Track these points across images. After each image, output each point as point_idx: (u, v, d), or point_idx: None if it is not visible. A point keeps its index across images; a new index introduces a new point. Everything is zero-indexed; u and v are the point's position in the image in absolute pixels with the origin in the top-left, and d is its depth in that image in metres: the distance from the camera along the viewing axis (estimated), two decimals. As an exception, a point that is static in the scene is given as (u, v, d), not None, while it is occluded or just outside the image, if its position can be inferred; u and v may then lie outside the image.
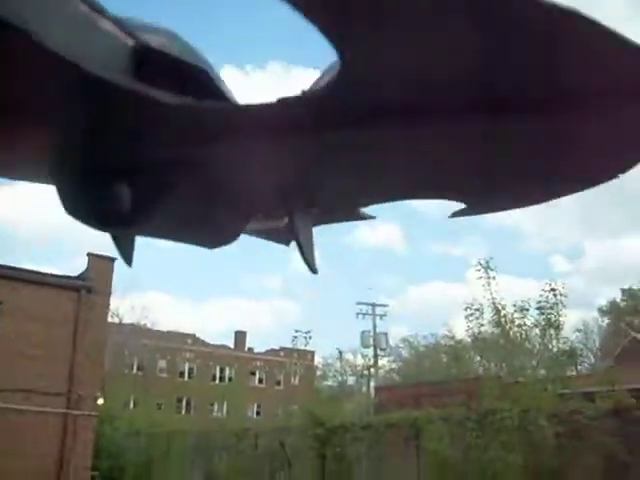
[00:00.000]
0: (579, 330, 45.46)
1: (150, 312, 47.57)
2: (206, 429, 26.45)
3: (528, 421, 12.74)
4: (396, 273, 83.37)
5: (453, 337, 24.93)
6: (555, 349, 15.33)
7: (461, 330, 17.74)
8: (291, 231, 1.25)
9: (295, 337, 23.41)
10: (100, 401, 19.81)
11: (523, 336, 15.75)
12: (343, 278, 77.54)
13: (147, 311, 44.12)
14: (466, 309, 15.72)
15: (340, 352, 42.17)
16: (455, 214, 1.55)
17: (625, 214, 62.93)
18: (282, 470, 19.41)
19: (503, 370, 16.47)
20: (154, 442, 25.89)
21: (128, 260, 1.25)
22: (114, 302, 40.12)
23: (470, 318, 15.72)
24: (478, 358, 20.62)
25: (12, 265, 19.51)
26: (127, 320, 41.96)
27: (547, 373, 14.87)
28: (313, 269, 1.22)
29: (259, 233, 1.55)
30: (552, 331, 15.04)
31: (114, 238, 1.19)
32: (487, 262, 15.63)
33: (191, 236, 1.20)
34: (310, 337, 22.96)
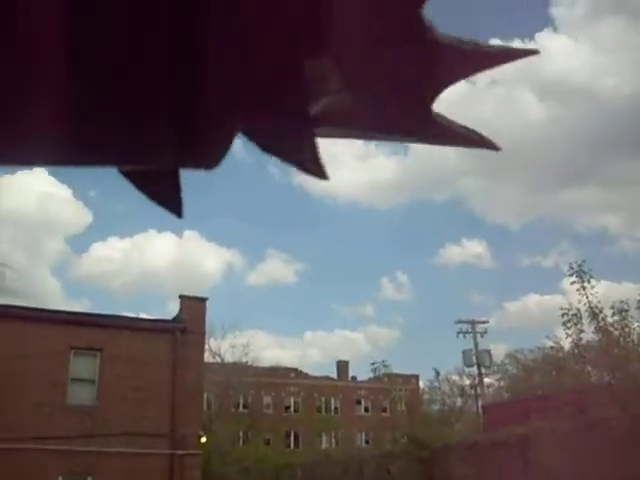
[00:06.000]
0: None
1: (251, 350, 48.10)
2: (313, 461, 26.30)
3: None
4: (488, 290, 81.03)
5: (561, 348, 23.91)
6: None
7: (568, 341, 16.86)
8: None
9: (374, 368, 22.65)
10: (203, 439, 20.04)
11: (632, 340, 14.79)
12: (435, 299, 76.05)
13: (247, 349, 44.61)
14: (562, 315, 14.98)
15: (437, 372, 41.30)
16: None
17: None
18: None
19: (615, 377, 15.53)
20: (263, 477, 25.98)
21: (178, 210, 0.89)
22: (214, 343, 41.09)
23: (568, 324, 14.96)
24: (588, 368, 19.59)
25: (108, 314, 20.21)
26: (229, 360, 42.62)
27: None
28: (322, 175, 0.85)
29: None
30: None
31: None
32: (579, 266, 14.89)
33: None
34: (386, 366, 22.18)
